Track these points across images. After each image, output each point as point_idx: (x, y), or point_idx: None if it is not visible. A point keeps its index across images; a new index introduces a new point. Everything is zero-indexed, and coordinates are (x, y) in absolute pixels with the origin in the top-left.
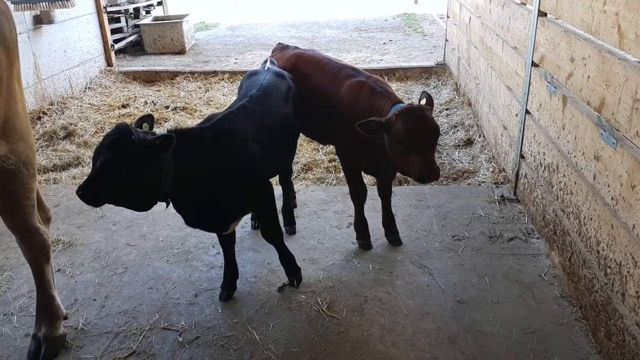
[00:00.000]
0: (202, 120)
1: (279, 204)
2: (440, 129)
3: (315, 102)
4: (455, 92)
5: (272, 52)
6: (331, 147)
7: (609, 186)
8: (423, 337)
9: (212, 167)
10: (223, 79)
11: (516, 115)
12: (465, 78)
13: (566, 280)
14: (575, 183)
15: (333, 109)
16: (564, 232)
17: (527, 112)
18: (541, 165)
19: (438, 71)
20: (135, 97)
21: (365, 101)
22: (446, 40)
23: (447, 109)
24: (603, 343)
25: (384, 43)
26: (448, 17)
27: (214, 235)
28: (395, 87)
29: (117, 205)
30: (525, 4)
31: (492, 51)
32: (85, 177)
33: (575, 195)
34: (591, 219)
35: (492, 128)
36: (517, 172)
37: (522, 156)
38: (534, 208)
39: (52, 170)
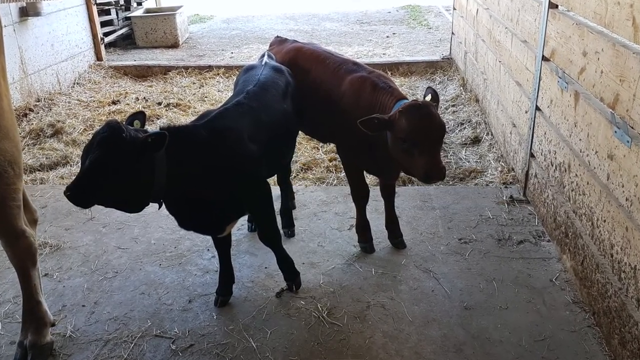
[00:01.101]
0: (196, 117)
1: (277, 205)
2: (446, 126)
3: (315, 98)
4: (462, 88)
5: (270, 46)
6: (332, 145)
7: (623, 186)
8: (428, 345)
9: (206, 166)
10: (218, 74)
11: (526, 112)
12: (472, 73)
13: (578, 285)
14: (587, 183)
15: (334, 105)
16: (576, 234)
17: (537, 108)
18: (552, 165)
19: (444, 66)
20: (126, 93)
21: (368, 97)
22: (452, 33)
23: (453, 106)
24: (617, 351)
25: (387, 36)
26: (454, 9)
27: (209, 238)
28: (398, 82)
29: (107, 206)
30: None
31: (500, 45)
32: (74, 177)
33: (588, 196)
34: (604, 220)
35: (501, 125)
36: (527, 171)
37: (532, 155)
38: (545, 209)
39: (39, 170)
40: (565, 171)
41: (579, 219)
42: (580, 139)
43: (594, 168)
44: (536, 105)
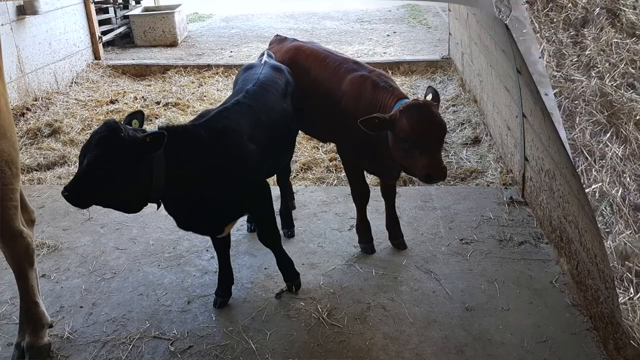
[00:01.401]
0: (195, 116)
1: (277, 205)
2: (447, 126)
3: (315, 97)
4: (461, 88)
5: (270, 45)
6: (332, 145)
7: None
8: (429, 347)
9: (205, 166)
10: (217, 73)
11: (516, 117)
12: (469, 74)
13: (575, 288)
14: (569, 193)
15: (334, 104)
16: (569, 239)
17: (523, 115)
18: (542, 170)
19: (444, 65)
20: (125, 92)
21: (368, 96)
22: (449, 34)
23: (453, 105)
24: (613, 355)
25: (388, 35)
26: (449, 10)
27: (208, 238)
28: (399, 81)
29: (105, 206)
30: None
31: (488, 50)
32: (72, 177)
33: (572, 205)
34: (586, 231)
35: (498, 127)
36: (524, 174)
37: (526, 159)
38: (541, 212)
39: (37, 170)
40: (553, 178)
41: (569, 225)
42: (556, 151)
43: (569, 181)
44: (522, 113)
